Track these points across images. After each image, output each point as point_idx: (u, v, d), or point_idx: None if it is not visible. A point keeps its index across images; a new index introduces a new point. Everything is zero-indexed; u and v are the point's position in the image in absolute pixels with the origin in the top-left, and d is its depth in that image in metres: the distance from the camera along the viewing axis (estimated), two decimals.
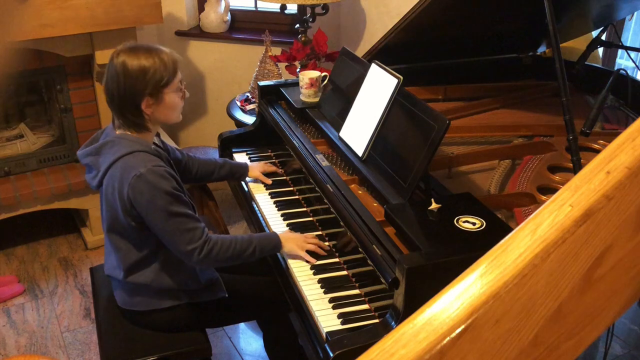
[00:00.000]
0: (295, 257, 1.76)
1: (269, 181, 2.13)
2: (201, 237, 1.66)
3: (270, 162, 2.25)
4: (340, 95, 2.11)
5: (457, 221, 1.49)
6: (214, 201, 3.09)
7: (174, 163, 1.90)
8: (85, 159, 1.75)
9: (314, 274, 1.70)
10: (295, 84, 2.33)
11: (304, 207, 2.02)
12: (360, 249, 1.59)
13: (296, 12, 3.05)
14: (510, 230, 0.77)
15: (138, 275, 1.76)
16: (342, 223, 1.70)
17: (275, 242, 1.75)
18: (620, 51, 3.00)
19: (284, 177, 2.19)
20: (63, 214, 3.31)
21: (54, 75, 3.01)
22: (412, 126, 1.68)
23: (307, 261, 1.73)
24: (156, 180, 1.61)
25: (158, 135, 1.86)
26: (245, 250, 1.71)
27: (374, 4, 3.20)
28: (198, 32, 3.59)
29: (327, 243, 1.81)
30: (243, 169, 2.15)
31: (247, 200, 2.15)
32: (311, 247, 1.75)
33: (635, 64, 2.34)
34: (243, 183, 2.20)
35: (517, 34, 2.29)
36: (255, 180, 2.17)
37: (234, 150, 2.38)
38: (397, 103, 1.76)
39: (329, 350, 1.37)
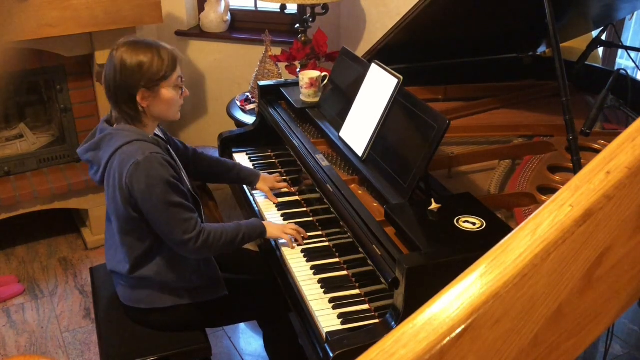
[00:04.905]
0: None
1: (276, 200, 2.06)
2: (196, 228, 1.68)
3: (277, 172, 2.19)
4: (340, 95, 2.11)
5: (457, 221, 1.49)
6: (214, 201, 3.09)
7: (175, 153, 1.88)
8: (86, 155, 1.75)
9: (314, 274, 1.70)
10: (295, 84, 2.33)
11: (304, 207, 2.02)
12: (360, 249, 1.59)
13: (296, 12, 3.05)
14: (510, 230, 0.77)
15: (143, 269, 1.76)
16: (342, 223, 1.70)
17: (260, 229, 1.82)
18: (620, 51, 3.00)
19: (284, 177, 2.18)
20: (63, 214, 3.31)
21: (54, 75, 3.01)
22: (412, 126, 1.68)
23: (293, 246, 1.81)
24: (154, 168, 1.61)
25: (160, 127, 1.87)
26: (235, 239, 1.77)
27: (374, 4, 3.20)
28: (198, 32, 3.58)
29: (327, 243, 1.82)
30: (252, 177, 2.09)
31: (247, 200, 2.15)
32: (291, 232, 1.83)
33: (635, 64, 2.34)
34: None
35: (517, 34, 2.29)
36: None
37: (234, 150, 2.38)
38: (397, 103, 1.76)
39: (329, 350, 1.37)
